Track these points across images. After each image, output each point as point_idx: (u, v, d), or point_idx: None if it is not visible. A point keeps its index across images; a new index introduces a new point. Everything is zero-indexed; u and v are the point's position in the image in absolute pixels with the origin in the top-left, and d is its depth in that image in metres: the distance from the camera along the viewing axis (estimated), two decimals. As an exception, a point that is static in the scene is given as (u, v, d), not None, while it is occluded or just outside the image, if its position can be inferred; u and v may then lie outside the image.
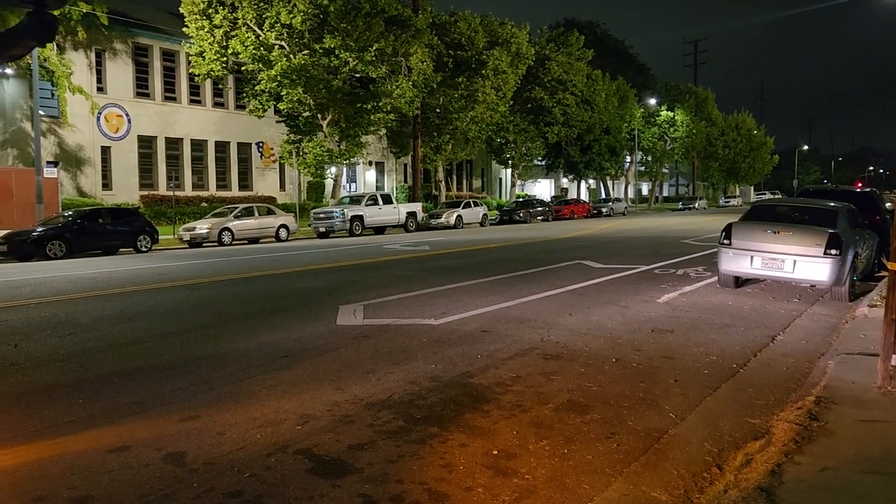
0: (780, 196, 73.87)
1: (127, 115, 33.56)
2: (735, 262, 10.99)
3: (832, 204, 11.50)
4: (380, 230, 31.66)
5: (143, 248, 22.31)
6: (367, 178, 47.33)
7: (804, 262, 10.21)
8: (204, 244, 24.81)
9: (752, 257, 10.70)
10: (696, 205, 65.94)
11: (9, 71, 28.33)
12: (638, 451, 4.51)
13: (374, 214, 30.91)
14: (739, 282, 11.49)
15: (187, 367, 6.66)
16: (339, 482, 4.03)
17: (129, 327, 8.64)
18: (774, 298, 10.58)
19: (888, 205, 15.67)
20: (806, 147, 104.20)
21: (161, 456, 4.42)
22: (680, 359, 6.94)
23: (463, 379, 6.14)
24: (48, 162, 27.60)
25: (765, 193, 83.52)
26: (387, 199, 32.57)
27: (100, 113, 31.92)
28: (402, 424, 4.95)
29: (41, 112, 25.47)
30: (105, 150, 32.89)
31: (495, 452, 4.48)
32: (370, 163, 46.49)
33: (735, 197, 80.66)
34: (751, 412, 5.31)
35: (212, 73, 30.40)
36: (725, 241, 11.10)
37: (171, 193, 33.58)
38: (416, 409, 5.29)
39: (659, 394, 5.75)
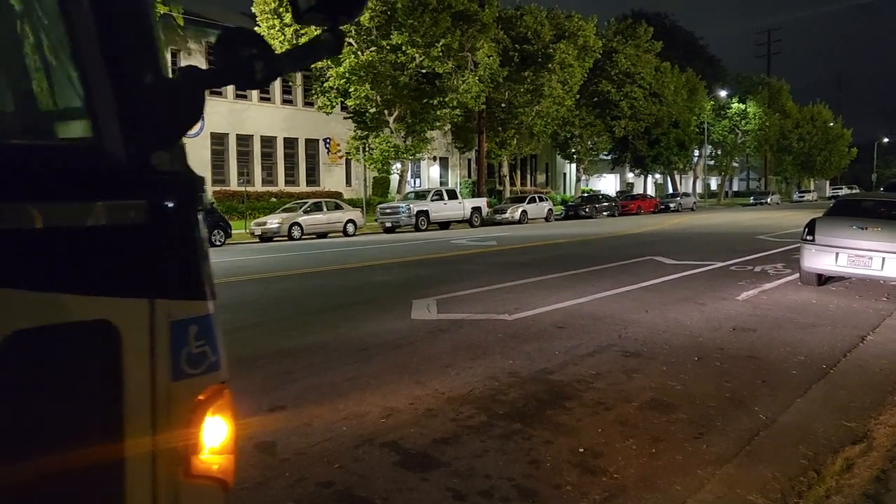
0: (857, 191, 70.93)
1: (201, 112, 34.65)
2: (819, 259, 10.59)
3: (923, 199, 10.82)
4: (444, 225, 31.76)
5: (217, 243, 22.97)
6: (431, 173, 47.56)
7: (895, 259, 9.75)
8: (274, 238, 25.38)
9: (837, 254, 10.29)
10: (769, 200, 63.83)
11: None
12: (729, 453, 4.40)
13: (440, 210, 31.02)
14: (822, 280, 11.06)
15: (271, 358, 6.82)
16: (426, 475, 4.06)
17: (212, 319, 8.91)
18: (861, 297, 10.15)
19: None
20: (886, 140, 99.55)
21: (253, 444, 4.54)
22: (765, 358, 6.73)
23: (542, 375, 6.11)
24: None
25: (841, 188, 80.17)
26: (452, 195, 32.65)
27: (175, 111, 33.01)
28: (485, 419, 4.95)
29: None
30: (180, 148, 33.98)
31: (581, 450, 4.43)
32: (434, 158, 46.69)
33: (810, 192, 77.78)
34: (846, 415, 5.10)
35: (282, 70, 31.03)
36: (808, 238, 10.70)
37: (241, 189, 34.43)
38: (498, 405, 5.28)
39: (746, 394, 5.59)
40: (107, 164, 1.44)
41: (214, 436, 1.62)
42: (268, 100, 38.28)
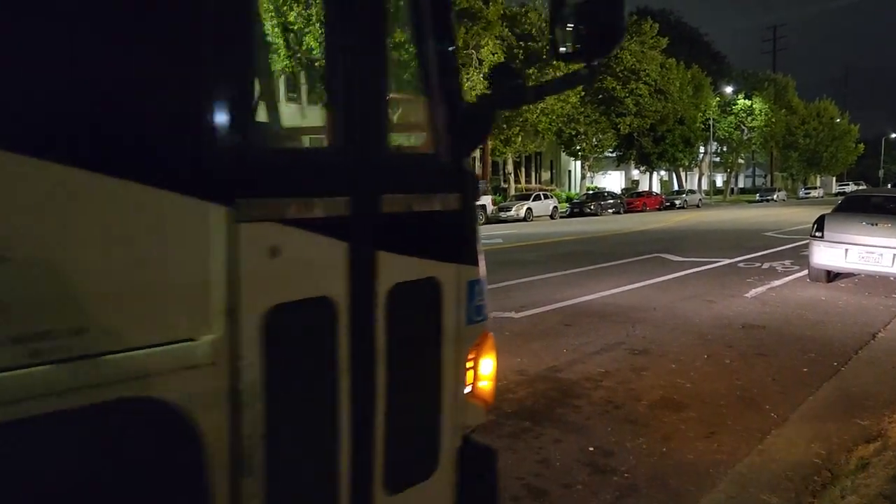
0: (865, 187, 70.58)
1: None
2: (828, 256, 10.49)
3: (934, 194, 10.60)
4: (450, 223, 31.79)
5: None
6: (436, 171, 47.51)
7: (906, 255, 9.50)
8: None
9: (846, 250, 10.19)
10: (775, 196, 63.46)
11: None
12: (741, 452, 4.34)
13: (444, 207, 31.00)
14: (832, 276, 10.95)
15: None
16: (435, 475, 4.01)
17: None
18: (871, 294, 10.05)
19: None
20: (894, 135, 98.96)
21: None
22: (775, 356, 6.67)
23: (550, 373, 6.05)
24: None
25: (848, 185, 79.71)
26: (456, 192, 32.58)
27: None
28: (493, 418, 4.89)
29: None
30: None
31: (591, 449, 4.38)
32: (439, 156, 46.65)
33: (816, 188, 77.39)
34: (858, 413, 5.04)
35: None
36: (817, 234, 10.61)
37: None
38: (506, 403, 5.23)
39: (757, 392, 5.54)
40: (443, 167, 2.09)
41: (485, 368, 2.35)
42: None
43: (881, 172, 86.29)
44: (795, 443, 4.51)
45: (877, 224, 10.02)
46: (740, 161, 71.43)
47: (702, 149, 62.52)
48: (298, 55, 24.80)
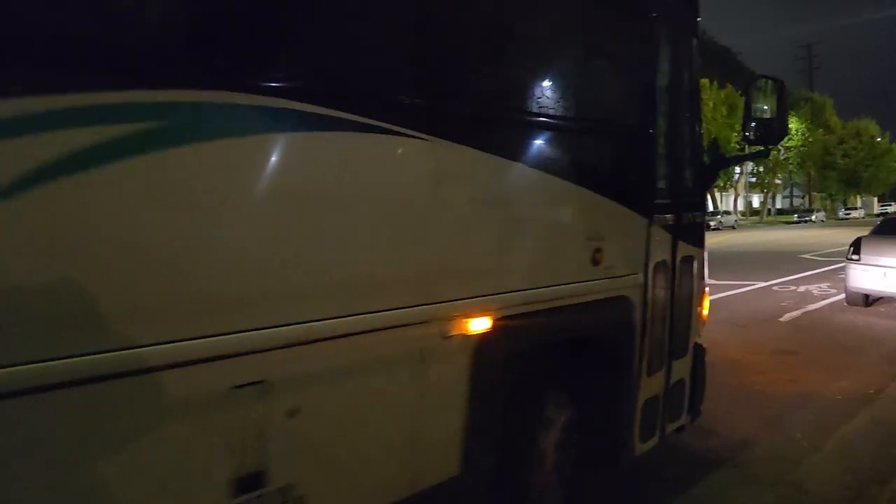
0: (907, 207, 68.88)
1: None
2: (865, 279, 10.26)
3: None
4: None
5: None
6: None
7: (947, 279, 9.10)
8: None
9: (884, 273, 9.95)
10: (813, 217, 62.35)
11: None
12: (769, 482, 4.25)
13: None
14: (869, 300, 10.68)
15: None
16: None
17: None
18: (910, 318, 9.81)
19: None
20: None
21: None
22: (807, 382, 6.53)
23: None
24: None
25: (890, 205, 77.90)
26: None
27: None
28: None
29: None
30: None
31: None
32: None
33: (856, 209, 75.83)
34: (894, 444, 4.90)
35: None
36: (854, 257, 10.40)
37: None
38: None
39: (788, 420, 5.42)
40: (698, 197, 4.26)
41: (706, 308, 4.39)
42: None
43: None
44: (827, 473, 4.41)
45: (917, 247, 9.58)
46: (777, 181, 70.36)
47: (737, 169, 61.76)
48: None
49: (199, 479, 1.93)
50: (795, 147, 63.95)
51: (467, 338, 2.63)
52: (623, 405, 3.56)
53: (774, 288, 13.33)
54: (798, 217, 62.54)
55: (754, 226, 56.43)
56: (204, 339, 1.85)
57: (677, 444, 4.49)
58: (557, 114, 3.03)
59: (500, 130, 2.85)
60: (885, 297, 10.55)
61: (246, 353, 1.94)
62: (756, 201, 75.27)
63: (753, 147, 4.22)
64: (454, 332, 2.58)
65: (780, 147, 63.24)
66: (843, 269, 10.84)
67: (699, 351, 4.27)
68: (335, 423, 2.26)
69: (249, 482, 2.01)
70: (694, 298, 4.09)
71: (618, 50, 3.46)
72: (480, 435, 2.74)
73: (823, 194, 76.99)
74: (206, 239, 1.88)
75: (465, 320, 2.61)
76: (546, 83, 3.02)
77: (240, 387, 1.96)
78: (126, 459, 1.77)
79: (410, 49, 2.49)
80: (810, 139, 64.57)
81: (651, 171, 3.71)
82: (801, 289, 13.11)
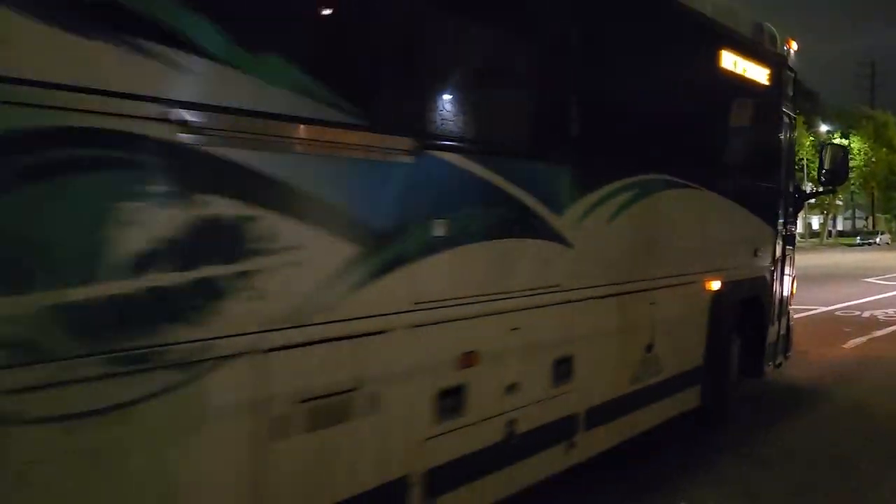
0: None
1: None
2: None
3: None
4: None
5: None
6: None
7: None
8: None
9: (954, 300, 9.47)
10: (878, 240, 60.23)
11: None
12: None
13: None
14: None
15: None
16: None
17: None
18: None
19: None
20: None
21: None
22: (872, 410, 6.34)
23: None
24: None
25: (960, 226, 74.84)
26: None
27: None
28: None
29: None
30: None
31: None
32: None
33: (923, 230, 73.11)
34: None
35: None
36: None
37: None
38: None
39: (851, 449, 5.26)
40: (794, 217, 7.41)
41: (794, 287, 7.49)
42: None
43: None
44: (896, 507, 4.27)
45: None
46: (838, 202, 68.29)
47: (796, 190, 60.10)
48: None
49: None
50: (858, 167, 62.05)
51: (707, 292, 5.40)
52: (762, 340, 6.27)
53: (837, 313, 12.94)
54: (860, 239, 60.55)
55: (814, 248, 54.80)
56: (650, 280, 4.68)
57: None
58: (748, 173, 6.14)
59: (729, 186, 5.68)
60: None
61: (656, 288, 4.72)
62: (816, 223, 73.15)
63: (825, 187, 7.78)
64: (701, 289, 5.36)
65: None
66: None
67: (790, 315, 7.09)
68: (672, 328, 4.95)
69: (648, 348, 4.64)
70: (790, 279, 6.97)
71: (773, 141, 6.65)
72: (712, 346, 5.47)
73: (888, 216, 74.40)
74: (656, 239, 4.72)
75: (705, 285, 5.36)
76: (749, 161, 6.24)
77: (652, 304, 4.67)
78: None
79: (714, 148, 5.67)
80: (873, 159, 62.58)
81: (779, 203, 6.60)
82: (866, 314, 12.70)
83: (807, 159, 58.41)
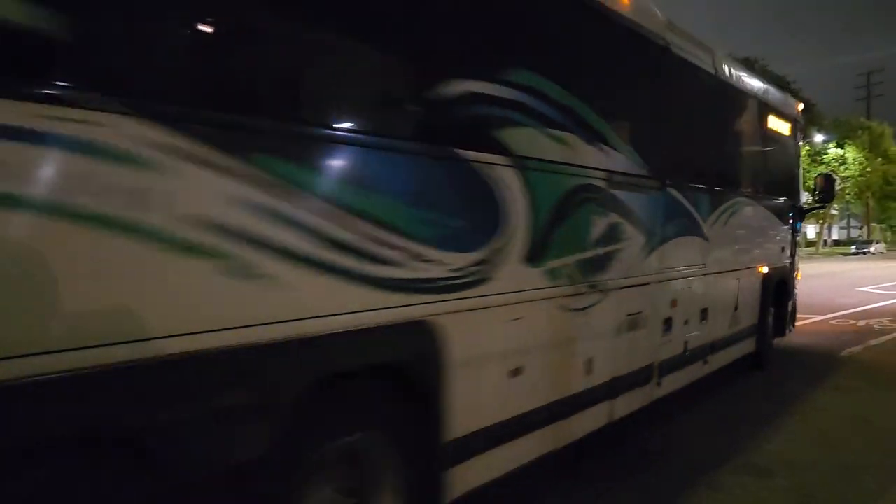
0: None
1: None
2: (931, 314, 9.72)
3: None
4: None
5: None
6: None
7: None
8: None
9: (951, 309, 9.41)
10: (872, 249, 60.42)
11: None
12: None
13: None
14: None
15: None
16: None
17: None
18: (980, 356, 9.34)
19: None
20: None
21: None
22: (872, 420, 6.26)
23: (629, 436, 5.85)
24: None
25: (954, 236, 75.05)
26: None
27: None
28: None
29: None
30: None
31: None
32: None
33: (917, 240, 73.33)
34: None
35: None
36: (918, 291, 9.87)
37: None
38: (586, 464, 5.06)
39: (851, 459, 5.18)
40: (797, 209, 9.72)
41: (798, 275, 10.10)
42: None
43: None
44: None
45: None
46: (833, 212, 68.48)
47: (791, 199, 60.22)
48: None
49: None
50: (853, 177, 62.22)
51: (760, 275, 7.87)
52: (786, 310, 8.91)
53: (832, 321, 12.90)
54: (856, 248, 60.74)
55: (810, 257, 54.85)
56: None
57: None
58: (780, 192, 8.72)
59: (771, 202, 8.29)
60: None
61: (740, 269, 7.29)
62: (811, 232, 73.33)
63: (819, 203, 11.50)
64: (757, 273, 7.83)
65: (836, 176, 61.74)
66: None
67: (796, 297, 9.54)
68: (745, 297, 7.38)
69: (735, 308, 7.18)
70: (796, 270, 9.49)
71: (794, 164, 9.56)
72: (763, 311, 8.02)
73: (883, 225, 74.65)
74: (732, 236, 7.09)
75: (759, 270, 7.85)
76: (781, 185, 8.88)
77: (737, 280, 7.23)
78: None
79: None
80: (868, 169, 62.79)
81: (794, 215, 9.23)
82: (861, 322, 12.66)
83: (803, 169, 58.53)
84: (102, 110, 1.88)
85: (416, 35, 3.03)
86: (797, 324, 9.81)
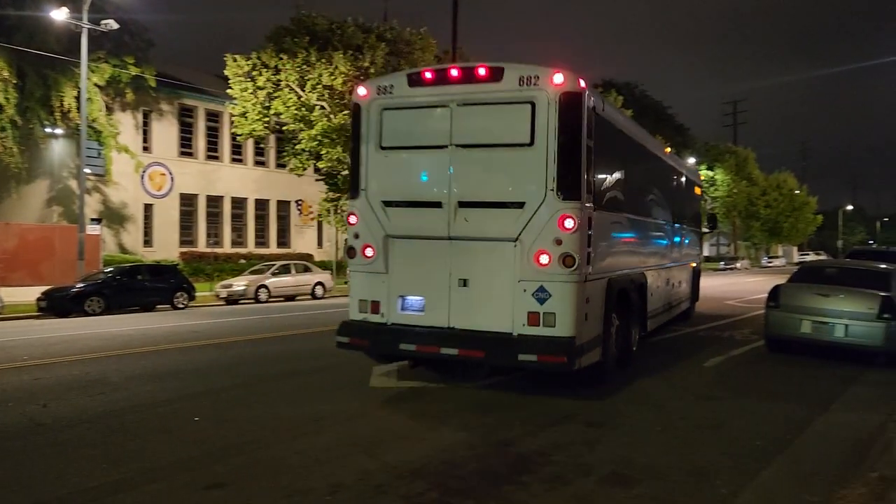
0: (824, 257, 72.00)
1: (170, 173, 34.31)
2: (783, 326, 10.56)
3: (884, 266, 11.07)
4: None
5: (180, 305, 22.39)
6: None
7: (857, 326, 9.75)
8: (240, 301, 24.86)
9: (801, 321, 10.26)
10: (738, 265, 64.67)
11: (58, 130, 29.28)
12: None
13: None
14: (788, 346, 10.93)
15: (216, 430, 6.50)
16: (367, 560, 3.80)
17: (160, 387, 8.53)
18: (826, 364, 10.04)
19: None
20: (850, 207, 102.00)
21: (184, 526, 4.25)
22: (729, 428, 6.58)
23: (501, 447, 5.87)
24: (92, 219, 27.92)
25: (808, 254, 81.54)
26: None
27: (144, 171, 32.66)
28: (437, 496, 4.69)
29: (87, 170, 25.98)
30: (147, 208, 33.55)
31: (535, 530, 4.20)
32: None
33: (778, 257, 79.02)
34: (809, 489, 4.94)
35: (254, 132, 31.04)
36: (772, 304, 10.70)
37: (210, 250, 33.94)
38: (453, 480, 5.02)
39: (709, 466, 5.41)
40: (701, 243, 20.15)
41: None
42: (240, 161, 38.17)
43: (840, 243, 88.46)
44: None
45: (829, 295, 10.14)
46: (704, 230, 72.58)
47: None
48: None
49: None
50: (721, 198, 66.40)
51: (692, 267, 16.07)
52: (693, 301, 16.35)
53: (700, 334, 13.61)
54: (724, 264, 64.62)
55: (683, 272, 57.92)
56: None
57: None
58: (695, 222, 16.86)
59: (695, 227, 16.84)
60: (801, 343, 10.71)
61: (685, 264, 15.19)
62: (684, 248, 77.31)
63: (709, 230, 20.53)
64: (690, 266, 15.89)
65: (706, 197, 65.71)
66: (764, 316, 11.10)
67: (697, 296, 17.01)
68: (672, 284, 13.37)
69: (680, 284, 14.41)
70: (699, 275, 17.16)
71: (693, 199, 16.97)
72: (693, 289, 16.34)
73: (748, 243, 79.92)
74: None
75: (691, 265, 15.90)
76: (695, 218, 17.01)
77: (684, 270, 15.02)
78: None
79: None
80: (735, 190, 67.18)
81: (701, 234, 18.20)
82: (726, 334, 13.42)
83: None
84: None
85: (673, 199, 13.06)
86: (668, 335, 10.26)
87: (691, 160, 64.98)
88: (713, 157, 68.45)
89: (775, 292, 10.77)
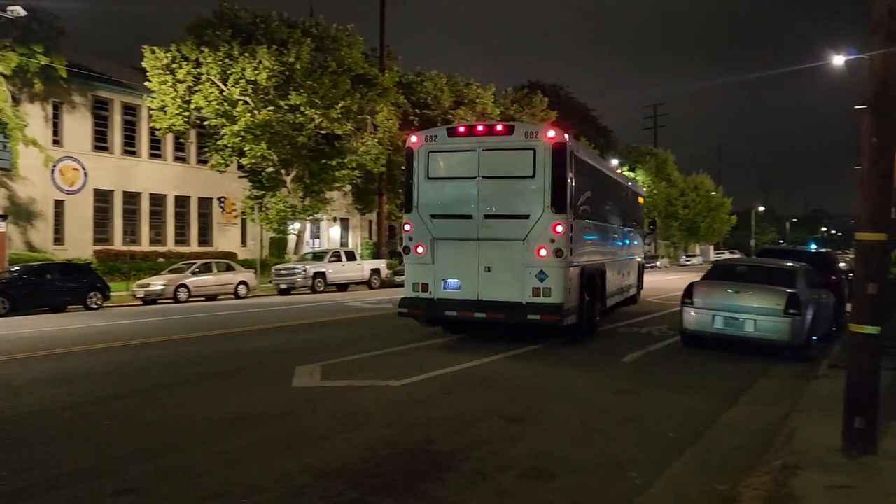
0: (738, 255, 75.03)
1: (83, 168, 32.85)
2: (697, 322, 10.94)
3: (791, 264, 11.59)
4: (343, 287, 31.08)
5: (94, 306, 21.50)
6: (332, 234, 47.04)
7: (765, 321, 10.19)
8: (158, 301, 24.03)
9: (713, 317, 10.66)
10: (658, 263, 66.71)
11: (-38, 122, 27.67)
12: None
13: (337, 271, 30.40)
14: (702, 341, 11.34)
15: (127, 434, 6.26)
16: (283, 563, 3.72)
17: (66, 391, 8.15)
18: (737, 358, 10.47)
19: (842, 265, 15.91)
20: (762, 208, 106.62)
21: (89, 535, 4.07)
22: (645, 421, 6.76)
23: (422, 445, 5.86)
24: (-3, 215, 26.62)
25: (724, 252, 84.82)
26: (350, 256, 32.14)
27: (54, 166, 31.16)
28: (356, 496, 4.64)
29: (-6, 164, 24.71)
30: (59, 204, 32.02)
31: (453, 527, 4.21)
32: (335, 219, 46.23)
33: (695, 255, 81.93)
34: (717, 478, 5.12)
35: (173, 127, 30.11)
36: (687, 301, 11.06)
37: (126, 249, 32.75)
38: (372, 479, 4.99)
39: (625, 458, 5.55)
40: (646, 242, 27.61)
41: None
42: (159, 156, 36.88)
43: (752, 242, 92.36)
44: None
45: (739, 292, 10.55)
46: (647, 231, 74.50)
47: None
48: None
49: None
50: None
51: (637, 260, 20.56)
52: (639, 288, 20.42)
53: (620, 330, 13.95)
54: (645, 263, 66.52)
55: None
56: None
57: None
58: (639, 224, 21.22)
59: (638, 228, 20.85)
60: (715, 338, 11.14)
61: (633, 258, 19.65)
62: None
63: (650, 231, 27.74)
64: (636, 259, 20.39)
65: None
66: (680, 312, 11.47)
67: (642, 285, 21.23)
68: (623, 273, 17.11)
69: (628, 275, 18.28)
70: (643, 267, 21.92)
71: (637, 207, 21.82)
72: (639, 278, 20.51)
73: (667, 242, 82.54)
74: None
75: (637, 259, 20.57)
76: (639, 221, 21.53)
77: (632, 261, 19.70)
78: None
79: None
80: (654, 190, 69.24)
81: (644, 235, 22.84)
82: (644, 330, 13.80)
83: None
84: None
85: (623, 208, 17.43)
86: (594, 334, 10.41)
87: (614, 161, 66.67)
88: (635, 159, 70.41)
89: (690, 290, 11.14)
